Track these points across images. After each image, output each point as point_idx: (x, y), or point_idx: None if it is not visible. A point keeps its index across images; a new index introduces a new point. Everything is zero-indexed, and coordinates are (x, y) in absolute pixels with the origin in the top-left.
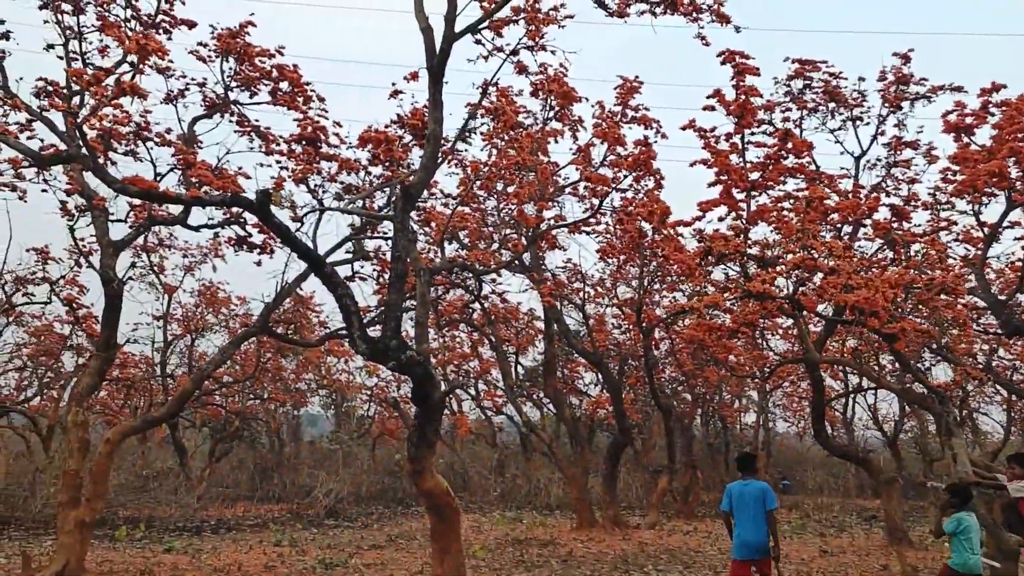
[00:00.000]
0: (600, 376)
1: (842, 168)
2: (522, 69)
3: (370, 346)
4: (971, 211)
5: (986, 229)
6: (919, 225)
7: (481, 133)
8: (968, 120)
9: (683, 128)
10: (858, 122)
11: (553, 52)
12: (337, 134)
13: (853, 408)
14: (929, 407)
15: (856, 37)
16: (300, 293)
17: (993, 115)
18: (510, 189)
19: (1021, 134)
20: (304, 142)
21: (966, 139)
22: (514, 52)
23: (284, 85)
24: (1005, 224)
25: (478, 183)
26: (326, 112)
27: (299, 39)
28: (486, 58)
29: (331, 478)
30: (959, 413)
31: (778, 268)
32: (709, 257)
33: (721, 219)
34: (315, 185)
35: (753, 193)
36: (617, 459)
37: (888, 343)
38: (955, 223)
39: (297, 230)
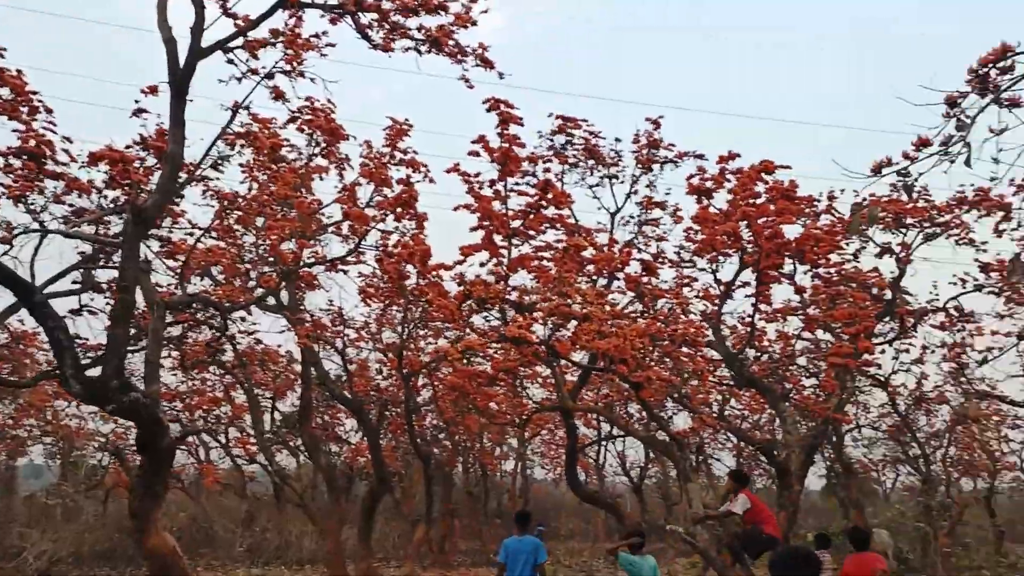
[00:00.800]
0: (360, 423)
1: (599, 223)
2: (279, 95)
3: (85, 386)
4: (709, 269)
5: (721, 287)
6: (666, 281)
7: (240, 164)
8: (708, 184)
9: (448, 171)
10: (614, 180)
11: (312, 80)
12: (67, 150)
13: (604, 455)
14: (670, 454)
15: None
16: (23, 327)
17: (729, 181)
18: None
19: (752, 200)
20: (25, 156)
21: (706, 201)
22: (269, 76)
23: (4, 92)
24: (737, 283)
25: (235, 217)
26: (54, 125)
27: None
28: (239, 79)
29: (47, 537)
30: (695, 459)
31: (535, 315)
32: (469, 302)
33: (483, 264)
34: (36, 205)
35: (515, 241)
36: (373, 508)
37: (635, 391)
38: (696, 280)
39: (5, 253)
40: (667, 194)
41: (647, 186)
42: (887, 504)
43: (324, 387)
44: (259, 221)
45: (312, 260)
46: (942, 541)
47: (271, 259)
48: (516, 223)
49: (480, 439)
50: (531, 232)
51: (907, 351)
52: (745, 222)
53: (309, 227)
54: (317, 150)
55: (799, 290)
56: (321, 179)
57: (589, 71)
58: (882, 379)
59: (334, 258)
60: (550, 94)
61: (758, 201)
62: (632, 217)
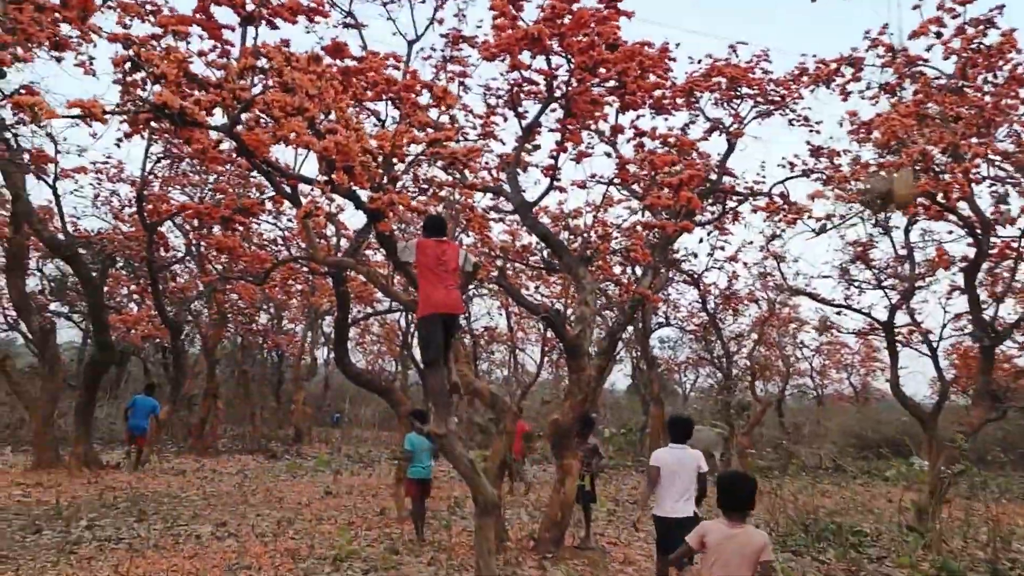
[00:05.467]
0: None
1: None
2: None
3: None
4: (504, 101)
5: (521, 121)
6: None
7: None
8: None
9: None
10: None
11: None
12: None
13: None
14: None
15: None
16: None
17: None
18: None
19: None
20: None
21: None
22: None
23: None
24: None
25: None
26: None
27: None
28: None
29: None
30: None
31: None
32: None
33: (202, 54)
34: None
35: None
36: (95, 383)
37: (372, 221)
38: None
39: None
40: (478, 27)
41: (456, 15)
42: (685, 404)
43: (31, 227)
44: None
45: None
46: (741, 441)
47: None
48: (252, 6)
49: (276, 315)
50: (275, 19)
51: (722, 248)
52: (558, 37)
53: None
54: None
55: (617, 129)
56: None
57: None
58: (695, 276)
59: None
60: None
61: (576, 7)
62: (435, 50)
